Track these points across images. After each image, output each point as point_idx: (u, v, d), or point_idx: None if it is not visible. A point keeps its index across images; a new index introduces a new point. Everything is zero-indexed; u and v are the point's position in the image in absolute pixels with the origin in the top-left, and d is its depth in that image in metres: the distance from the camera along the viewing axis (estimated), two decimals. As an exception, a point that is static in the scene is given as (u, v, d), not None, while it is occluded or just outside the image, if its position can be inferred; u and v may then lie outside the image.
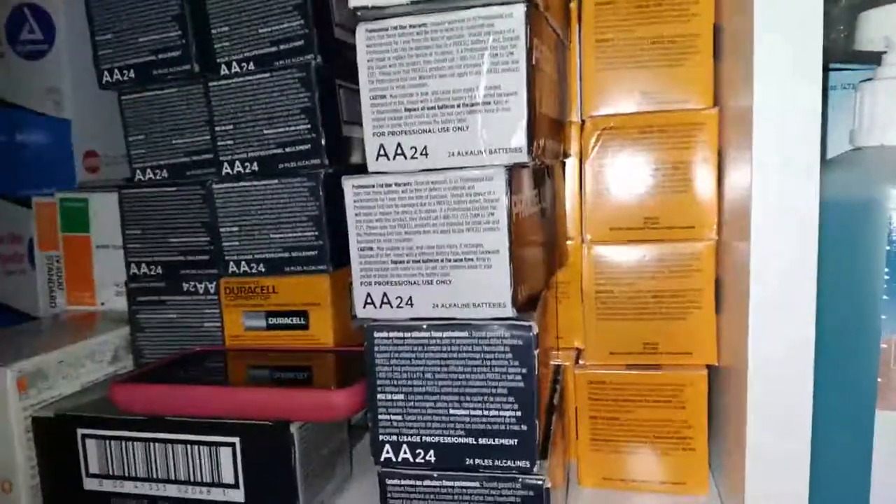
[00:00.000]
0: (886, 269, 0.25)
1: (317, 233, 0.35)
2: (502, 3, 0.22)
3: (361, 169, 0.25)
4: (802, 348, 0.25)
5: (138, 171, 0.38)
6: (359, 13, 0.23)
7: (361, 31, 0.23)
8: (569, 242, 0.35)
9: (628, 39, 0.32)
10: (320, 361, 0.35)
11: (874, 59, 0.28)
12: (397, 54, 0.23)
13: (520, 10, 0.22)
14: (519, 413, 0.24)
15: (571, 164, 0.34)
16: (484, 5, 0.22)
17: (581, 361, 0.33)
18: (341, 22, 0.36)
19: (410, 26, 0.23)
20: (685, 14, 0.31)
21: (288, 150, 0.35)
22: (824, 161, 0.29)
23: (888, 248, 0.25)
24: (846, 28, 0.31)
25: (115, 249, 0.44)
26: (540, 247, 0.28)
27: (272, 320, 0.37)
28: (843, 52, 0.31)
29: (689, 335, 0.31)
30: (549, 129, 0.28)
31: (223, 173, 0.36)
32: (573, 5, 0.33)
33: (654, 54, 0.32)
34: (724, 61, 0.30)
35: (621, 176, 0.32)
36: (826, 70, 0.32)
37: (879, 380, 0.26)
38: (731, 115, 0.29)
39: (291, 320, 0.36)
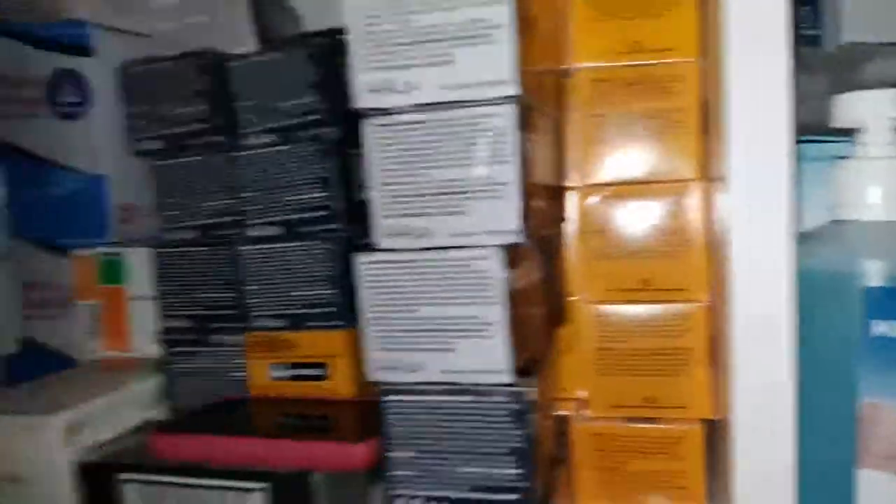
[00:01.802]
0: (864, 336, 0.27)
1: (335, 291, 0.38)
2: (494, 104, 0.25)
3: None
4: (784, 407, 0.26)
5: (169, 232, 0.41)
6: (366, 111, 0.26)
7: (368, 127, 0.26)
8: (571, 299, 0.37)
9: (621, 113, 0.34)
10: (340, 412, 0.37)
11: (850, 133, 0.30)
12: (401, 147, 0.26)
13: (510, 109, 0.25)
14: (520, 471, 0.26)
15: (571, 226, 0.37)
16: (478, 105, 0.25)
17: (584, 413, 0.35)
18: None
19: (413, 122, 0.26)
20: (673, 90, 0.33)
21: (308, 215, 0.37)
22: (805, 231, 0.31)
23: (863, 317, 0.27)
24: (824, 103, 0.33)
25: (149, 300, 0.46)
26: (540, 309, 0.31)
27: (294, 371, 0.39)
28: (820, 126, 0.32)
29: (685, 390, 0.33)
30: (545, 198, 0.30)
31: (248, 236, 0.39)
32: (567, 81, 0.36)
33: (645, 128, 0.34)
34: (710, 135, 0.32)
35: (616, 239, 0.34)
36: (803, 142, 0.34)
37: (858, 440, 0.28)
38: (716, 186, 0.31)
39: (313, 371, 0.39)
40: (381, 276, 0.27)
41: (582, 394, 0.36)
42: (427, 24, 0.25)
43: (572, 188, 0.36)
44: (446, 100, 0.25)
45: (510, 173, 0.25)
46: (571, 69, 0.34)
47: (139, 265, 0.47)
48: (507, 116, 0.25)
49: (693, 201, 0.33)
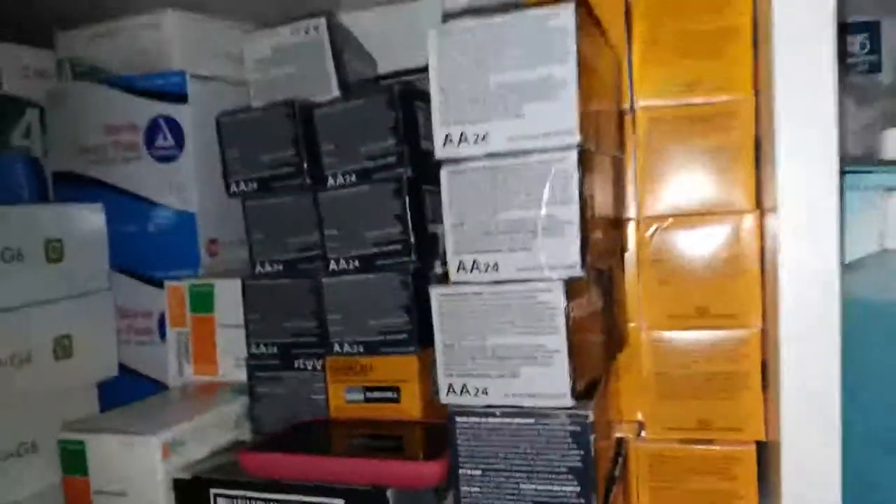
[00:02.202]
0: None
1: (407, 319, 0.41)
2: (559, 150, 0.27)
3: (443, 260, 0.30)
4: (830, 427, 0.28)
5: (258, 265, 0.45)
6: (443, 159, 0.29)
7: (445, 173, 0.29)
8: (630, 325, 0.39)
9: (678, 149, 0.36)
10: (411, 432, 0.40)
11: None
12: (473, 190, 0.29)
13: (572, 155, 0.27)
14: (578, 488, 0.28)
15: (631, 256, 0.39)
16: (543, 152, 0.28)
17: (642, 435, 0.37)
18: (427, 135, 0.42)
19: (484, 168, 0.29)
20: (728, 126, 0.35)
21: (384, 249, 0.41)
22: (855, 260, 0.32)
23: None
24: (878, 134, 0.35)
25: (235, 328, 0.50)
26: (600, 336, 0.33)
27: (369, 394, 0.42)
28: (868, 158, 0.34)
29: (739, 413, 0.35)
30: (604, 230, 0.32)
31: (330, 269, 0.42)
32: (629, 118, 0.38)
33: (701, 162, 0.36)
34: (762, 167, 0.34)
35: (674, 268, 0.36)
36: (855, 173, 0.35)
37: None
38: (768, 216, 0.32)
39: (385, 394, 0.42)
40: (454, 307, 0.29)
41: (639, 417, 0.38)
42: (501, 82, 0.28)
43: (632, 220, 0.38)
44: (515, 149, 0.28)
45: (571, 213, 0.27)
46: (631, 107, 0.37)
47: (227, 295, 0.51)
48: (569, 162, 0.27)
49: (747, 231, 0.35)
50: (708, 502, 0.35)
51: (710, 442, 0.35)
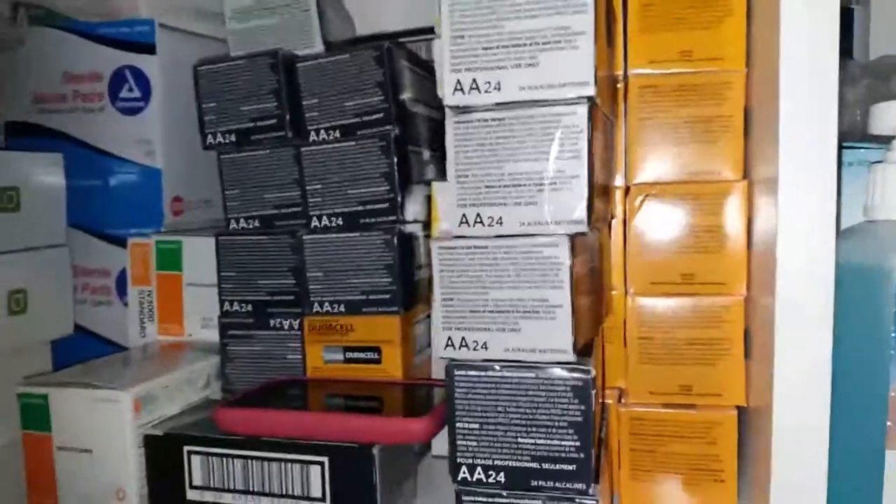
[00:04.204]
0: (894, 327, 0.29)
1: (390, 279, 0.40)
2: (571, 104, 0.27)
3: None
4: (820, 392, 0.29)
5: (233, 220, 0.44)
6: (449, 108, 0.28)
7: (451, 122, 0.29)
8: (613, 293, 0.39)
9: (668, 118, 0.36)
10: (391, 392, 0.39)
11: (885, 139, 0.33)
12: (479, 141, 0.28)
13: (583, 109, 0.27)
14: (578, 443, 0.28)
15: (616, 223, 0.39)
16: (555, 104, 0.27)
17: (623, 400, 0.37)
18: (413, 96, 0.41)
19: (492, 119, 0.28)
20: (719, 97, 0.36)
21: (368, 207, 0.40)
22: (841, 231, 0.33)
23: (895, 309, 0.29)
24: (861, 112, 0.36)
25: (203, 287, 0.48)
26: (592, 299, 0.33)
27: (349, 354, 0.41)
28: (858, 133, 0.35)
29: (721, 379, 0.35)
30: (599, 196, 0.32)
31: (312, 226, 0.41)
32: (620, 86, 0.38)
33: (690, 132, 0.36)
34: (753, 139, 0.35)
35: (661, 236, 0.36)
36: (842, 148, 0.36)
37: (889, 423, 0.30)
38: (759, 187, 0.33)
39: (366, 355, 0.41)
40: (455, 260, 0.29)
41: (621, 384, 0.38)
42: (516, 30, 0.27)
43: (620, 187, 0.38)
44: (527, 99, 0.27)
45: (580, 168, 0.27)
46: (624, 75, 0.37)
47: (196, 253, 0.49)
48: (581, 115, 0.27)
49: (734, 201, 0.35)
50: (688, 465, 0.36)
51: (691, 406, 0.36)
